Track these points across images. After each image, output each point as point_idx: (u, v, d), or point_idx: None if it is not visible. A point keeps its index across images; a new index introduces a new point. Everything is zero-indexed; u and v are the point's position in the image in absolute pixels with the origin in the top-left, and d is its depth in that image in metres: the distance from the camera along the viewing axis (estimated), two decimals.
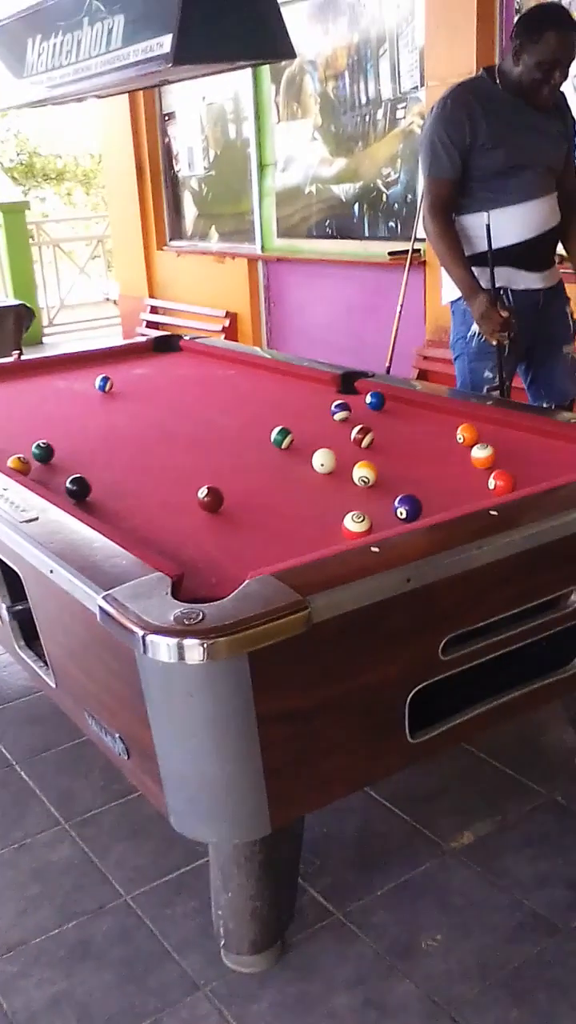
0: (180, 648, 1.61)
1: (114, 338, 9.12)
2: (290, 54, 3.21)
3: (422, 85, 5.57)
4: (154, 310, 8.50)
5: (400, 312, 5.70)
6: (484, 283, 3.32)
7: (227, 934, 2.09)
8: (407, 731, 1.98)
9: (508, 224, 3.31)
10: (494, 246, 3.28)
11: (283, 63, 6.27)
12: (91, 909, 2.34)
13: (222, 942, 2.12)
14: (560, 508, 2.10)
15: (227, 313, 7.55)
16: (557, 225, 3.45)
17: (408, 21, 5.64)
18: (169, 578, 1.80)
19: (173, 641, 1.61)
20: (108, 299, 10.76)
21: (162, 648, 1.62)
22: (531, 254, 3.40)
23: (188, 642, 1.60)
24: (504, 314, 3.27)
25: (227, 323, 7.53)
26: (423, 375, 5.74)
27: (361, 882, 2.37)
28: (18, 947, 2.24)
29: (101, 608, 1.74)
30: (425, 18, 5.35)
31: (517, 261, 3.37)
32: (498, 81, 3.31)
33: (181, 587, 1.81)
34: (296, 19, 6.08)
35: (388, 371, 5.57)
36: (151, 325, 8.41)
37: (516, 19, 3.23)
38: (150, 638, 1.63)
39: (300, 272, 6.97)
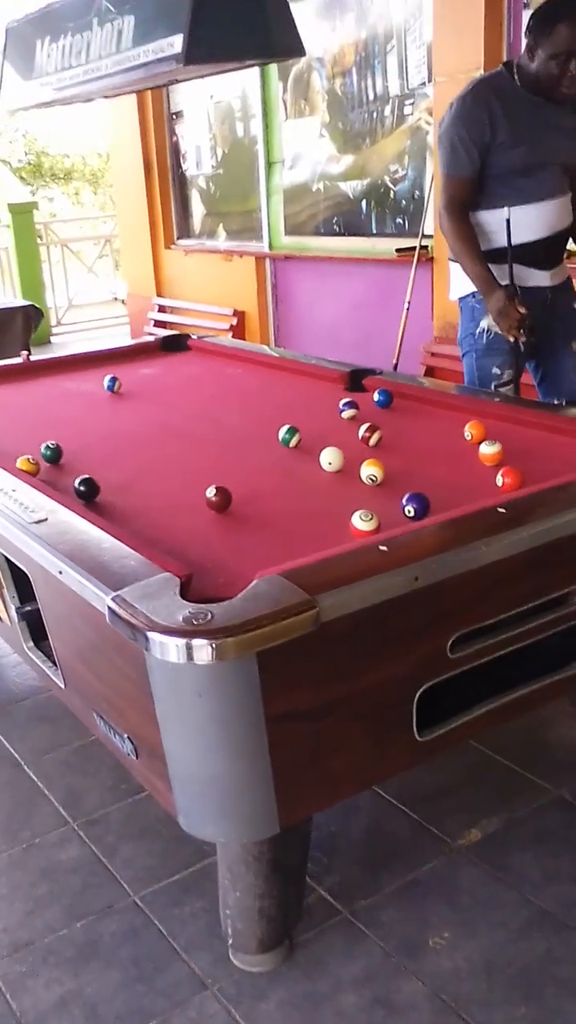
0: (189, 648, 1.61)
1: (122, 337, 9.13)
2: (299, 52, 3.19)
3: (430, 81, 5.56)
4: (162, 309, 8.51)
5: (408, 309, 5.70)
6: (500, 279, 3.32)
7: (235, 933, 2.10)
8: (415, 729, 1.98)
9: (524, 223, 3.30)
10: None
11: (290, 60, 6.26)
12: (99, 909, 2.34)
13: (230, 941, 2.12)
14: (569, 505, 2.10)
15: (235, 311, 7.55)
16: (570, 225, 3.45)
17: (416, 17, 5.63)
18: (178, 578, 1.80)
19: (182, 641, 1.61)
20: (116, 298, 10.77)
21: (171, 648, 1.62)
22: (543, 254, 3.40)
23: (197, 642, 1.61)
24: (522, 311, 3.27)
25: (235, 321, 7.53)
26: (430, 371, 5.73)
27: (369, 880, 2.38)
28: (26, 947, 2.25)
29: (110, 608, 1.74)
30: (433, 14, 5.34)
31: (528, 259, 3.37)
32: (516, 77, 3.30)
33: (190, 587, 1.81)
34: (304, 16, 6.07)
35: (395, 368, 5.57)
36: (159, 324, 8.42)
37: (531, 14, 3.23)
38: (159, 638, 1.63)
39: (308, 270, 6.96)
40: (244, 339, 7.28)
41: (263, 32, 3.09)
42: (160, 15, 3.02)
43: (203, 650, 1.61)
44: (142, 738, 1.92)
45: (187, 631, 1.62)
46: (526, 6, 4.91)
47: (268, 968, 2.12)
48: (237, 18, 3.01)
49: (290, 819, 1.88)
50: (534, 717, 2.85)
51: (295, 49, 3.18)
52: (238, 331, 7.50)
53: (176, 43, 2.85)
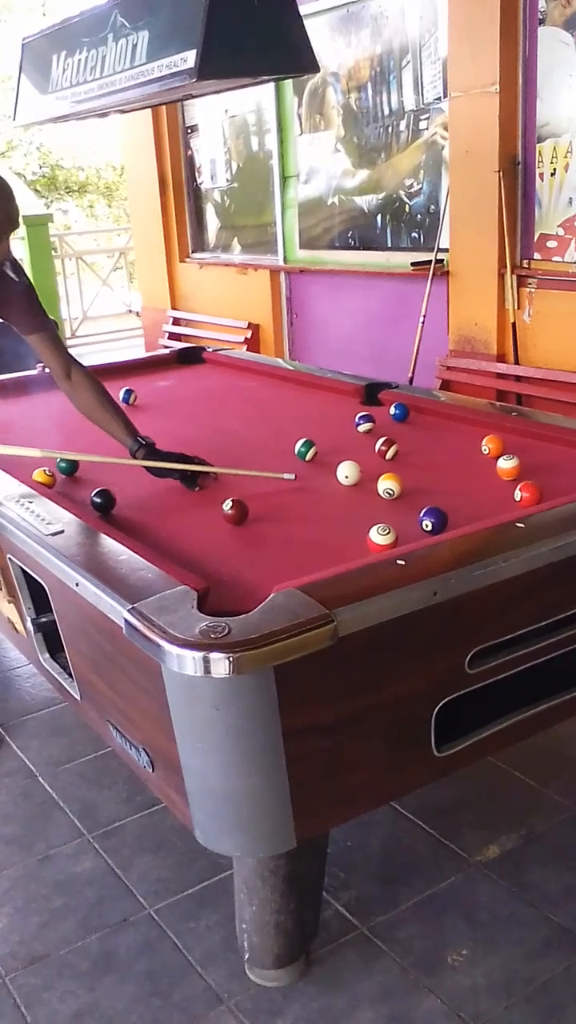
0: (206, 661, 1.61)
1: (136, 350, 9.16)
2: (313, 68, 3.21)
3: (445, 96, 5.57)
4: (176, 322, 8.53)
5: (423, 322, 5.70)
6: None
7: (251, 948, 2.09)
8: (433, 745, 1.97)
9: None
10: None
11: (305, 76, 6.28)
12: (115, 922, 2.33)
13: (246, 956, 2.11)
14: None
15: (249, 324, 7.56)
16: None
17: (431, 32, 5.64)
18: (195, 591, 1.80)
19: (199, 655, 1.61)
20: (130, 311, 10.80)
21: (188, 661, 1.62)
22: None
23: (214, 656, 1.60)
24: None
25: (249, 334, 7.54)
26: (446, 385, 5.72)
27: (386, 896, 2.36)
28: (42, 960, 2.24)
29: (127, 621, 1.74)
30: (448, 29, 5.35)
31: None
32: None
33: (207, 600, 1.81)
34: (318, 31, 6.09)
35: (411, 382, 5.56)
36: (173, 337, 8.43)
37: None
38: (176, 651, 1.63)
39: (322, 283, 6.97)
40: (259, 352, 7.28)
41: (277, 48, 3.11)
42: (174, 31, 3.04)
43: (220, 663, 1.60)
44: (158, 750, 1.92)
45: (204, 644, 1.61)
46: (542, 22, 4.92)
47: (284, 983, 2.11)
48: (251, 34, 3.02)
49: (306, 834, 1.87)
50: (553, 734, 2.81)
51: (309, 65, 3.20)
52: (253, 344, 7.51)
53: (189, 58, 2.87)
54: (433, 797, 2.65)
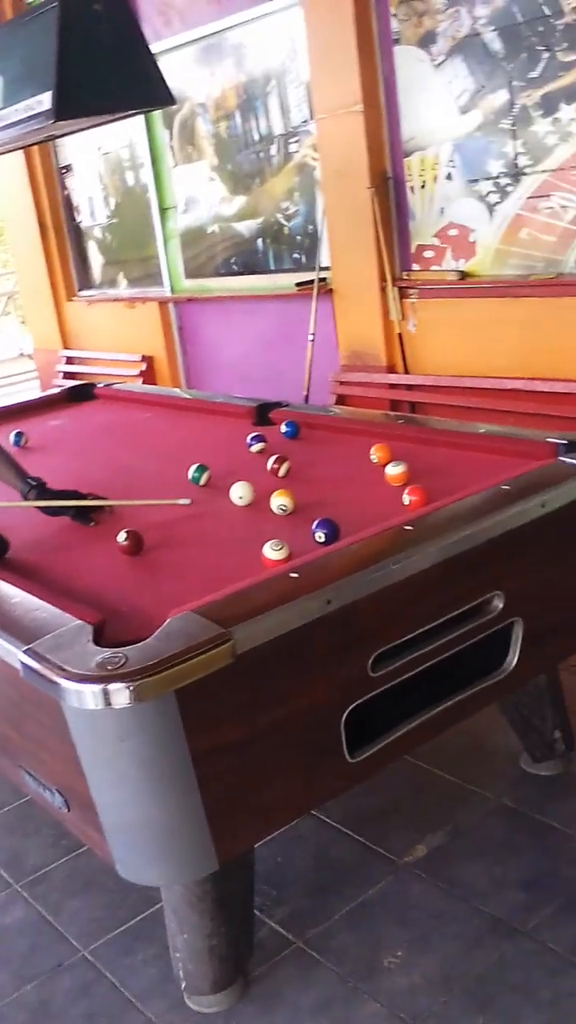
0: (105, 693, 1.61)
1: (33, 392, 9.07)
2: (168, 101, 3.23)
3: (311, 118, 5.67)
4: (70, 360, 8.49)
5: (312, 340, 5.77)
6: None
7: (187, 976, 2.08)
8: (346, 751, 1.99)
9: None
10: None
11: (174, 107, 6.33)
12: (49, 968, 2.30)
13: (183, 985, 2.10)
14: (473, 517, 2.15)
15: (143, 357, 7.56)
16: None
17: (292, 58, 5.75)
18: (90, 625, 1.80)
19: (98, 687, 1.61)
20: (23, 354, 10.72)
21: (87, 696, 1.62)
22: None
23: (113, 687, 1.61)
24: None
25: (144, 367, 7.54)
26: (341, 400, 5.79)
27: (318, 907, 2.38)
28: None
29: (23, 663, 1.73)
30: (308, 54, 5.46)
31: None
32: None
33: (104, 633, 1.81)
34: (182, 63, 6.16)
35: (307, 399, 5.62)
36: (69, 376, 8.38)
37: None
38: (74, 687, 1.63)
39: (211, 310, 7.01)
40: (156, 383, 7.28)
41: (131, 84, 3.13)
42: (27, 74, 3.05)
43: (120, 694, 1.61)
44: (71, 790, 1.90)
45: (102, 677, 1.62)
46: (397, 42, 5.04)
47: (224, 1007, 2.11)
48: (105, 72, 3.04)
49: (228, 854, 1.87)
50: (469, 729, 2.86)
51: (165, 99, 3.23)
52: (149, 376, 7.51)
53: (45, 100, 2.87)
54: (358, 804, 2.67)
